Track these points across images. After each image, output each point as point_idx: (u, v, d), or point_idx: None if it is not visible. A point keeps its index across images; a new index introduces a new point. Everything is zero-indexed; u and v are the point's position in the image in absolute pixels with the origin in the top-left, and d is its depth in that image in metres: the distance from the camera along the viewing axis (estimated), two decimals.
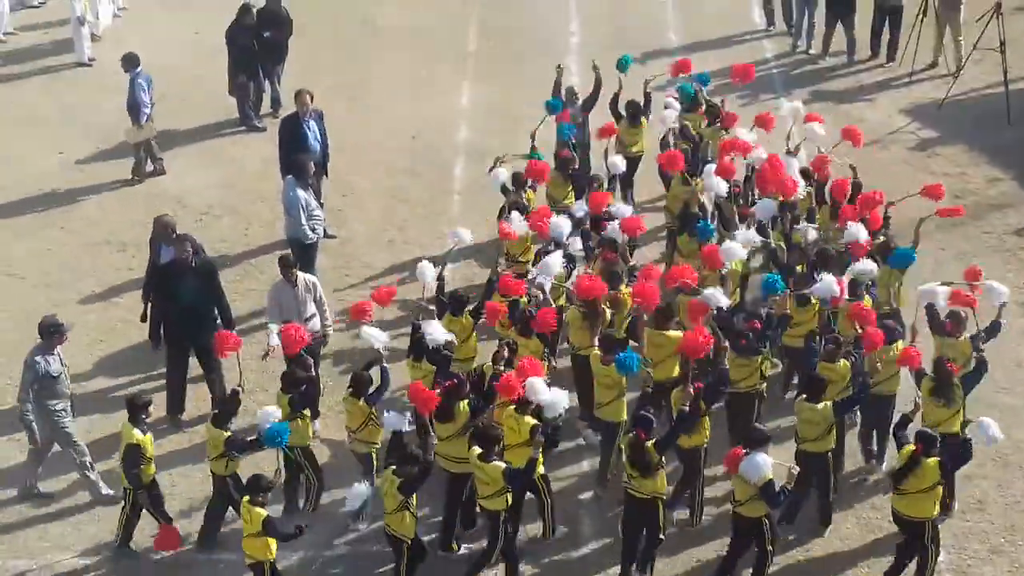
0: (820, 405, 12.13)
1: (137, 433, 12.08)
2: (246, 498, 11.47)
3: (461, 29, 22.53)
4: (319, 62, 21.36)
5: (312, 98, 16.90)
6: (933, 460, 11.34)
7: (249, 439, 12.15)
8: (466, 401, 12.24)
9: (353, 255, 16.81)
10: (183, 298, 13.80)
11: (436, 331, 12.79)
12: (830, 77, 20.64)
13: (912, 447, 11.47)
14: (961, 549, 12.36)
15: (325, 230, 16.46)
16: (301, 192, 15.41)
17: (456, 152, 18.97)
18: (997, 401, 14.01)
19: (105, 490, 13.11)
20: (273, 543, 11.45)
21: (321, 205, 16.21)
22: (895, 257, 13.81)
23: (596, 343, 12.97)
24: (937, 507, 11.58)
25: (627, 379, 12.69)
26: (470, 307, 13.53)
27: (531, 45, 21.01)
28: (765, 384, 13.19)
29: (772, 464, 11.30)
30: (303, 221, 15.37)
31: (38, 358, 12.74)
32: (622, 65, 17.16)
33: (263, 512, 11.36)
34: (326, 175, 17.19)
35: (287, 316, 13.77)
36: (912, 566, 11.72)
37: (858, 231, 13.84)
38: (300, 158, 15.83)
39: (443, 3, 23.66)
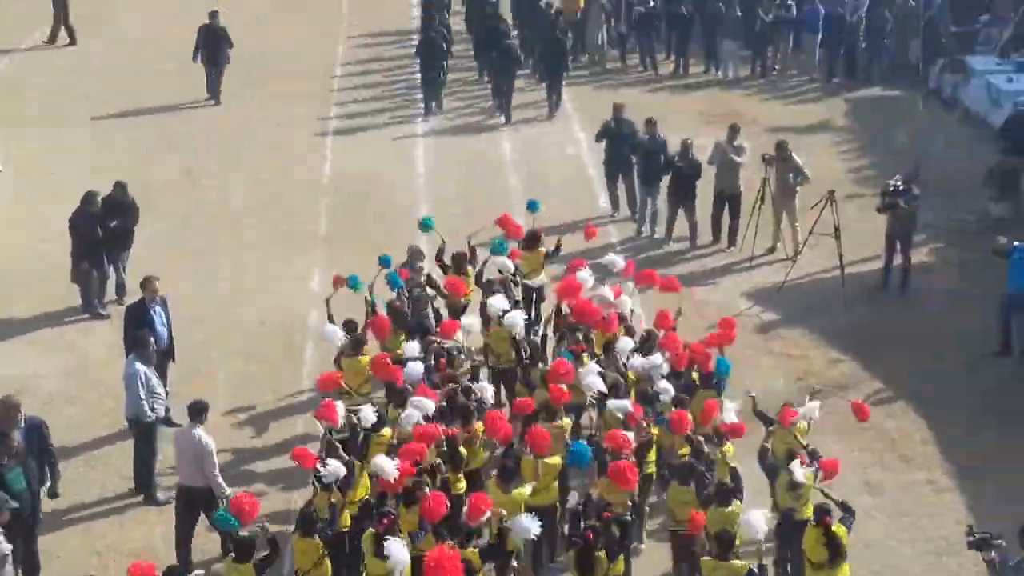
0: None
1: None
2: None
3: (312, 216, 22.64)
4: (166, 248, 21.20)
5: (158, 284, 16.76)
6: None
7: None
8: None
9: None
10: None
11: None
12: (675, 262, 21.10)
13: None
14: None
15: (169, 417, 16.18)
16: (141, 367, 15.15)
17: (305, 337, 18.85)
18: None
19: None
20: None
21: (167, 393, 15.93)
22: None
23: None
24: None
25: None
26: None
27: (379, 223, 21.10)
28: None
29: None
30: (142, 396, 15.06)
31: None
32: (424, 225, 18.41)
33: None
34: (173, 360, 16.94)
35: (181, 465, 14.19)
36: None
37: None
38: (141, 334, 15.62)
39: (292, 186, 23.82)
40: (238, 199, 23.58)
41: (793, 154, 21.33)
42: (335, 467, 13.18)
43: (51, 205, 22.03)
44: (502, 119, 27.18)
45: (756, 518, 12.42)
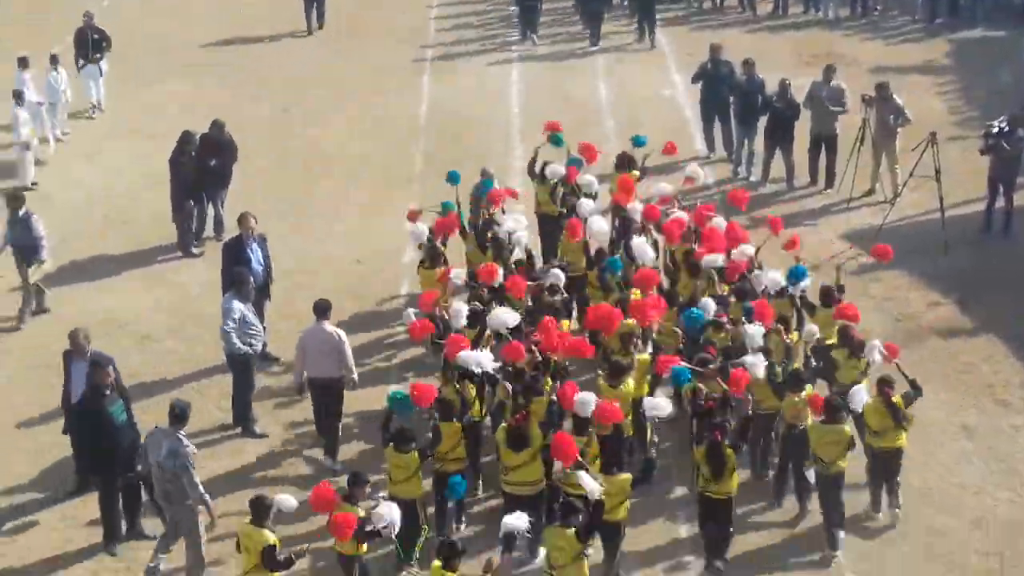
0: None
1: None
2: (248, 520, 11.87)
3: (407, 156, 22.70)
4: (264, 187, 21.44)
5: (256, 221, 16.94)
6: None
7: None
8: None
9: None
10: (106, 428, 13.47)
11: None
12: (771, 203, 20.88)
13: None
14: None
15: (267, 352, 16.41)
16: (238, 304, 15.31)
17: (400, 274, 18.96)
18: (940, 524, 14.02)
19: None
20: None
21: (264, 328, 16.15)
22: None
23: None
24: None
25: None
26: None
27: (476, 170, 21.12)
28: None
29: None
30: (231, 329, 15.21)
31: None
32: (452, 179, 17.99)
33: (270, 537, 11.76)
34: (268, 299, 17.12)
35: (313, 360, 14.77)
36: None
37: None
38: (239, 272, 15.78)
39: (389, 132, 23.91)
40: (335, 137, 23.72)
41: (894, 95, 20.97)
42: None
43: (148, 144, 22.34)
44: (594, 48, 27.53)
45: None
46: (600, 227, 16.93)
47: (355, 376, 15.07)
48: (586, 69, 26.51)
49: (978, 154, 20.26)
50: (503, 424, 13.41)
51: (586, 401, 13.16)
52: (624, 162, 18.56)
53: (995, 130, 19.59)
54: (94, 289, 18.83)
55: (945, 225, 19.47)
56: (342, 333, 15.09)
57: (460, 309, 14.95)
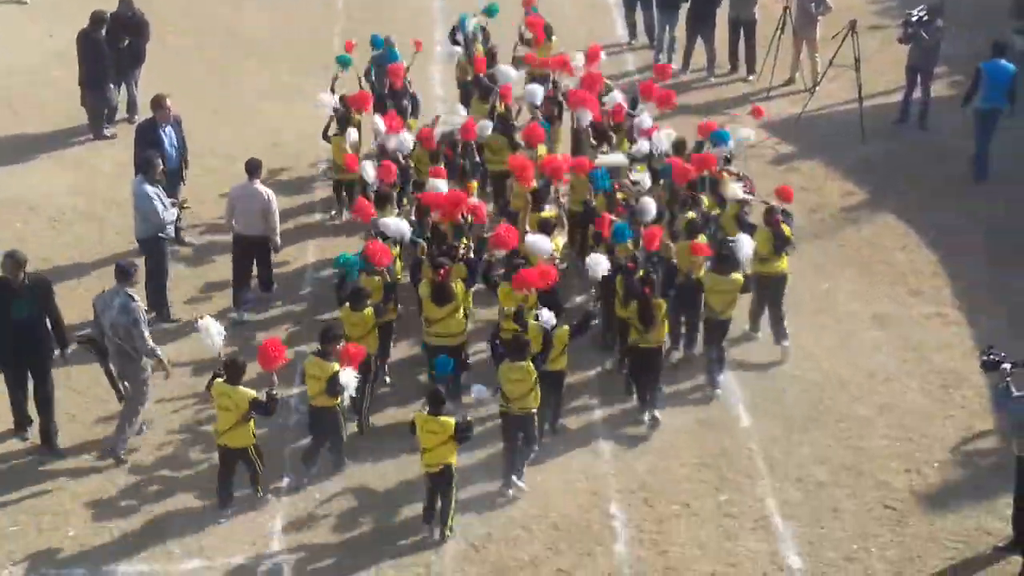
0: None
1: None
2: (219, 379, 12.41)
3: (326, 38, 22.30)
4: (179, 68, 21.02)
5: (170, 103, 16.60)
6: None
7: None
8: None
9: (210, 266, 16.55)
10: (15, 316, 13.13)
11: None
12: (691, 90, 20.84)
13: None
14: (816, 556, 12.52)
15: (181, 236, 16.21)
16: (150, 188, 15.04)
17: (320, 152, 18.72)
18: (851, 411, 14.28)
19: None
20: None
21: (177, 213, 15.90)
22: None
23: None
24: None
25: None
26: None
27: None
28: None
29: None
30: (160, 212, 14.99)
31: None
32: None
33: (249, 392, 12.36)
34: (183, 182, 16.85)
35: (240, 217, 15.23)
36: None
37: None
38: (148, 154, 15.48)
39: (306, 13, 23.46)
40: (252, 19, 23.26)
41: None
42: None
43: (59, 22, 21.78)
44: None
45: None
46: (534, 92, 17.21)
47: (278, 239, 15.55)
48: None
49: (897, 44, 20.29)
50: (426, 280, 13.94)
51: (537, 243, 14.14)
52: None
53: (914, 19, 19.59)
54: (4, 172, 18.42)
55: (863, 115, 19.55)
56: (271, 193, 15.46)
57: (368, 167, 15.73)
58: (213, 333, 12.71)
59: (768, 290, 15.07)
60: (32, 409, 13.68)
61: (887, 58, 21.28)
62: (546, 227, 14.74)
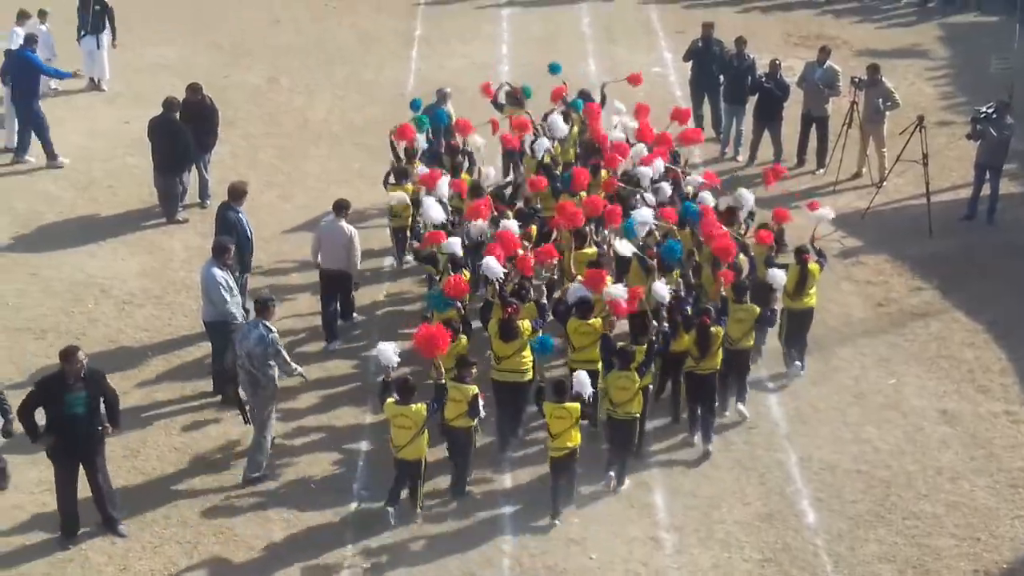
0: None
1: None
2: (391, 400, 13.33)
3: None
4: (249, 154, 21.35)
5: (246, 190, 16.96)
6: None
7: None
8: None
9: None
10: (67, 412, 12.97)
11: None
12: (757, 183, 20.85)
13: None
14: None
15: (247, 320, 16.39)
16: (219, 272, 15.19)
17: (386, 240, 18.86)
18: (918, 509, 14.09)
19: None
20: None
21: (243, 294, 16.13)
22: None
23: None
24: None
25: None
26: None
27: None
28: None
29: None
30: (227, 299, 15.14)
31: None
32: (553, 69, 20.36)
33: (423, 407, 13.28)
34: (249, 271, 17.01)
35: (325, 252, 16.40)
36: None
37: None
38: (221, 239, 15.71)
39: (377, 100, 23.82)
40: (322, 106, 23.64)
41: (883, 78, 20.96)
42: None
43: (134, 108, 22.24)
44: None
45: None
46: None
47: (357, 274, 16.85)
48: (576, 48, 26.44)
49: (965, 140, 20.27)
50: (495, 318, 14.55)
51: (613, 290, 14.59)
52: (584, 96, 19.83)
53: (983, 116, 19.57)
54: (77, 253, 18.73)
55: (930, 210, 19.48)
56: (354, 230, 16.57)
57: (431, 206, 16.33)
58: (390, 355, 13.62)
59: (794, 324, 16.08)
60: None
61: (955, 154, 21.24)
62: (597, 265, 15.40)
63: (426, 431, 13.43)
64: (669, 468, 14.62)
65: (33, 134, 21.06)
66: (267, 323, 14.13)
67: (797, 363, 16.14)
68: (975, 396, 15.98)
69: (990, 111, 19.56)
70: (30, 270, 18.20)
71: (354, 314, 17.08)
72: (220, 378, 15.51)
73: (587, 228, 16.24)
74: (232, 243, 15.77)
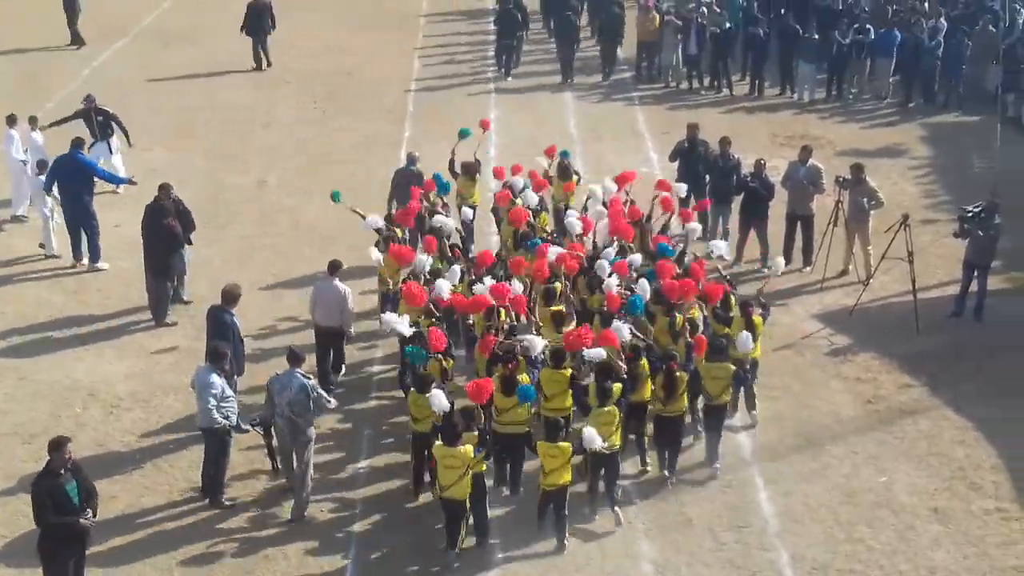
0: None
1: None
2: (439, 442, 14.17)
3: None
4: (240, 255, 21.43)
5: (240, 293, 17.07)
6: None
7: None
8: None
9: None
10: (61, 503, 13.02)
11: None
12: (744, 282, 20.95)
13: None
14: None
15: (239, 424, 16.32)
16: (216, 377, 15.23)
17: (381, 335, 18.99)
18: None
19: None
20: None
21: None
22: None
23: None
24: None
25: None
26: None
27: None
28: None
29: None
30: (212, 406, 15.09)
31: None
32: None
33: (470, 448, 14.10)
34: (240, 373, 17.00)
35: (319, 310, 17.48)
36: None
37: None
38: (217, 346, 15.74)
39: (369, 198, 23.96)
40: (315, 206, 23.77)
41: (867, 178, 21.16)
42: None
43: (122, 210, 22.38)
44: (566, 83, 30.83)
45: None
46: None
47: (351, 331, 17.86)
48: (563, 147, 26.64)
49: (950, 238, 20.40)
50: (497, 374, 15.31)
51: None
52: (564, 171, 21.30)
53: (970, 215, 19.71)
54: (65, 356, 18.72)
55: (917, 307, 19.57)
56: (348, 289, 17.65)
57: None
58: (443, 402, 14.56)
59: (745, 370, 16.90)
60: None
61: (940, 251, 21.39)
62: (560, 320, 16.59)
63: (470, 473, 14.15)
64: (662, 570, 14.50)
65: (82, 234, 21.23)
66: (300, 371, 15.12)
67: (753, 412, 17.18)
68: (967, 493, 15.93)
69: (977, 210, 19.72)
70: (19, 375, 18.18)
71: (343, 367, 18.02)
72: (212, 483, 15.45)
73: (557, 285, 17.18)
74: (228, 348, 15.83)
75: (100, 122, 24.12)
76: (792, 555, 14.74)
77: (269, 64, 32.03)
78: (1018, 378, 18.31)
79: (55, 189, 21.31)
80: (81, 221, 21.17)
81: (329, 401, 15.51)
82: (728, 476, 16.12)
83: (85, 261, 21.29)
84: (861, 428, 17.15)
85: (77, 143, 21.60)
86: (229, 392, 15.46)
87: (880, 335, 19.51)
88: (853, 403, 17.79)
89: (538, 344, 15.72)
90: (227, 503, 15.44)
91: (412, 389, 15.39)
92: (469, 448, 14.10)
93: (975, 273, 19.88)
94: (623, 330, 15.78)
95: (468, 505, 14.35)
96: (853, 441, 16.87)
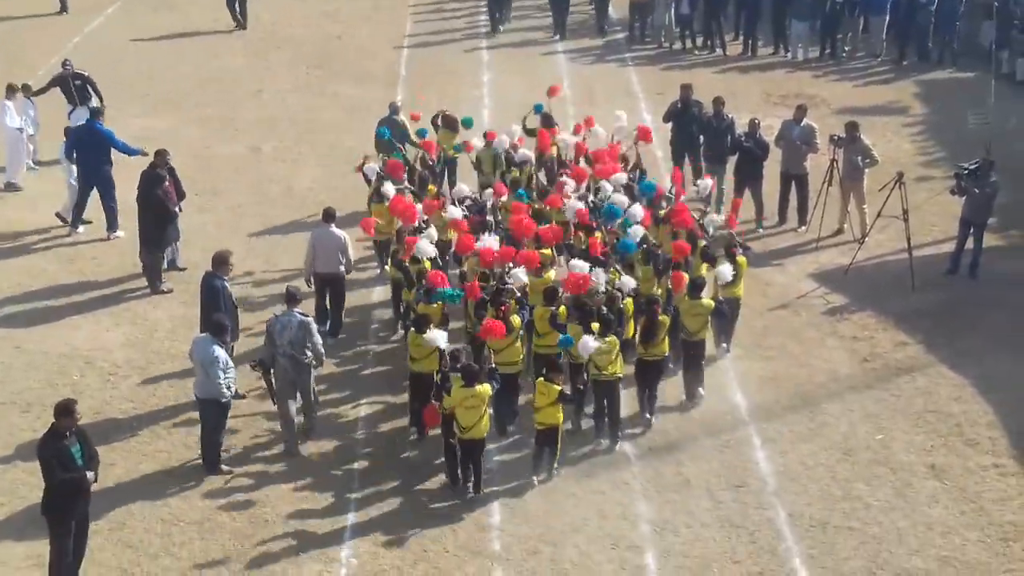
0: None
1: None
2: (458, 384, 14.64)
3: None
4: (232, 223, 21.42)
5: (229, 258, 17.02)
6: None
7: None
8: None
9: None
10: (70, 465, 13.09)
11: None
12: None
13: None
14: None
15: (238, 392, 16.36)
16: (220, 351, 15.22)
17: (371, 318, 18.96)
18: (910, 565, 14.05)
19: None
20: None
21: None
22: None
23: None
24: None
25: None
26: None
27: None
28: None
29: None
30: (221, 379, 15.14)
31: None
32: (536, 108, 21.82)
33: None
34: (236, 339, 17.00)
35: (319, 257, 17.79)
36: None
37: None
38: (217, 318, 15.73)
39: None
40: (308, 173, 23.73)
41: (862, 136, 21.13)
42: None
43: (118, 183, 22.31)
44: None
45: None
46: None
47: (351, 268, 18.35)
48: (557, 111, 26.59)
49: (945, 195, 20.44)
50: (490, 315, 15.84)
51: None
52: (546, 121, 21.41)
53: (966, 172, 19.67)
54: (62, 325, 18.70)
55: (913, 265, 19.58)
56: (346, 235, 18.04)
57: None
58: (439, 340, 15.27)
59: (730, 309, 17.52)
60: None
61: (935, 209, 21.40)
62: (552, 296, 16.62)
63: (487, 412, 14.78)
64: (660, 530, 14.56)
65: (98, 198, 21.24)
66: (298, 310, 15.64)
67: (724, 346, 17.84)
68: (963, 450, 15.98)
69: (974, 167, 19.68)
70: (15, 343, 18.16)
71: (339, 332, 18.22)
72: (210, 451, 15.46)
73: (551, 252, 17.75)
74: (228, 320, 15.86)
75: (78, 86, 24.02)
76: (790, 513, 14.80)
77: (244, 26, 32.05)
78: (1013, 334, 18.35)
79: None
80: (101, 190, 21.12)
81: (323, 354, 15.99)
82: (726, 436, 16.17)
83: (80, 229, 21.23)
84: (858, 386, 17.19)
85: (95, 113, 21.54)
86: (231, 363, 15.49)
87: (876, 293, 19.53)
88: (849, 361, 17.82)
89: (522, 277, 16.39)
90: (225, 469, 15.46)
91: (412, 329, 15.82)
92: (486, 386, 14.68)
93: (971, 230, 19.87)
94: (599, 277, 16.32)
95: (485, 444, 14.98)
96: (850, 399, 16.92)
